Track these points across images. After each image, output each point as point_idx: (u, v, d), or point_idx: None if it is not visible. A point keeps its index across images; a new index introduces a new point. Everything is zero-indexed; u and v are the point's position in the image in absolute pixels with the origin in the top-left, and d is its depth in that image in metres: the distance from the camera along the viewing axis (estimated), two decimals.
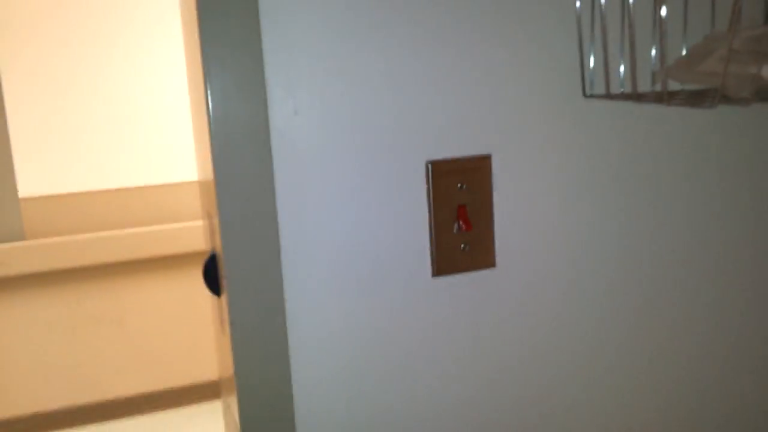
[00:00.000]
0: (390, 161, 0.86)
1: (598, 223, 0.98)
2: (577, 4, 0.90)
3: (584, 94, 0.92)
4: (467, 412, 0.95)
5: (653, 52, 0.93)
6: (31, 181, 2.79)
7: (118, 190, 2.94)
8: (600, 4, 0.88)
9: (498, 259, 0.93)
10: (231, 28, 0.74)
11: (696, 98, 0.78)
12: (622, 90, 0.91)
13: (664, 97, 0.77)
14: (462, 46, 0.87)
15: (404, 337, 0.90)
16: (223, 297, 0.82)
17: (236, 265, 0.78)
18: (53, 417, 2.85)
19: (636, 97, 0.82)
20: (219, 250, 0.81)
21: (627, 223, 0.99)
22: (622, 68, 0.91)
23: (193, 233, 2.71)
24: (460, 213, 0.90)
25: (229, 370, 0.86)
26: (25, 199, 2.75)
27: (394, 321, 0.89)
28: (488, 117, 0.90)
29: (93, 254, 2.75)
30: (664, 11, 0.84)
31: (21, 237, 2.73)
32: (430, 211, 0.89)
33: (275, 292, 0.80)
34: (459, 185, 0.90)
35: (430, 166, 0.88)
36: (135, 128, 2.95)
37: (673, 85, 0.90)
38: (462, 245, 0.91)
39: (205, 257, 0.86)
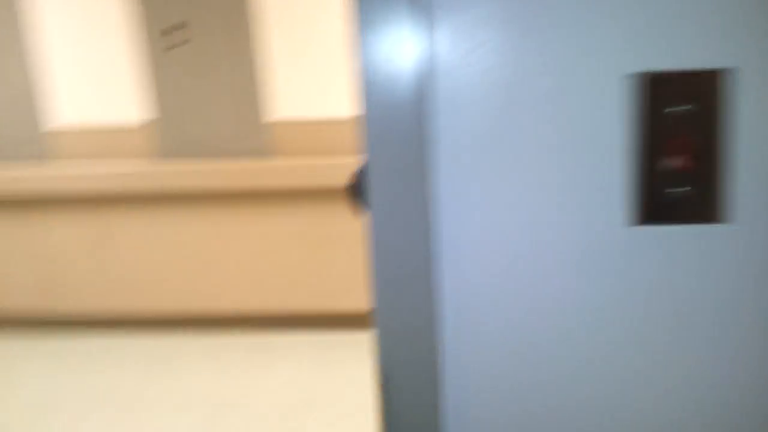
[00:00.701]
0: (582, 73, 0.67)
1: None
2: None
3: None
4: (672, 404, 0.74)
5: None
6: (282, 105, 2.95)
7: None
8: None
9: (729, 212, 0.69)
10: None
11: None
12: None
13: None
14: None
15: (585, 294, 0.72)
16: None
17: (379, 179, 0.67)
18: (275, 319, 3.09)
19: None
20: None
21: None
22: None
23: None
24: (679, 145, 0.68)
25: None
26: (277, 122, 2.93)
27: (573, 277, 0.72)
28: (725, 17, 0.65)
29: (336, 176, 2.85)
30: None
31: (270, 155, 2.92)
32: (635, 140, 0.68)
33: (421, 216, 0.68)
34: (680, 108, 0.67)
35: (639, 80, 0.66)
36: None
37: None
38: (677, 189, 0.69)
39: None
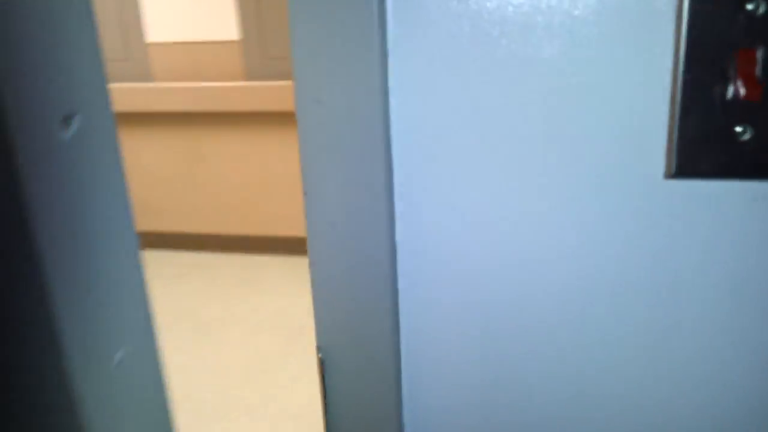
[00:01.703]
0: None
1: None
2: None
3: None
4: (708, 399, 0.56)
5: None
6: None
7: None
8: None
9: None
10: None
11: None
12: None
13: None
14: None
15: (606, 269, 0.54)
16: None
17: None
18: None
19: None
20: None
21: None
22: None
23: None
24: (743, 64, 0.47)
25: None
26: None
27: (594, 240, 0.54)
28: None
29: None
30: None
31: None
32: (678, 58, 0.48)
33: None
34: (747, 9, 0.46)
35: None
36: None
37: None
38: (737, 127, 0.48)
39: None
